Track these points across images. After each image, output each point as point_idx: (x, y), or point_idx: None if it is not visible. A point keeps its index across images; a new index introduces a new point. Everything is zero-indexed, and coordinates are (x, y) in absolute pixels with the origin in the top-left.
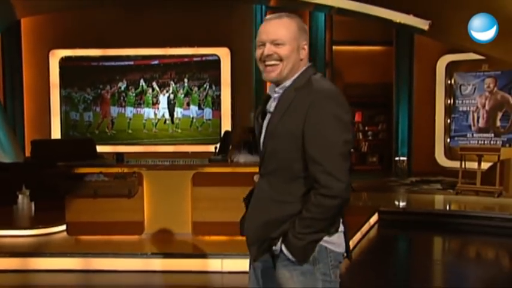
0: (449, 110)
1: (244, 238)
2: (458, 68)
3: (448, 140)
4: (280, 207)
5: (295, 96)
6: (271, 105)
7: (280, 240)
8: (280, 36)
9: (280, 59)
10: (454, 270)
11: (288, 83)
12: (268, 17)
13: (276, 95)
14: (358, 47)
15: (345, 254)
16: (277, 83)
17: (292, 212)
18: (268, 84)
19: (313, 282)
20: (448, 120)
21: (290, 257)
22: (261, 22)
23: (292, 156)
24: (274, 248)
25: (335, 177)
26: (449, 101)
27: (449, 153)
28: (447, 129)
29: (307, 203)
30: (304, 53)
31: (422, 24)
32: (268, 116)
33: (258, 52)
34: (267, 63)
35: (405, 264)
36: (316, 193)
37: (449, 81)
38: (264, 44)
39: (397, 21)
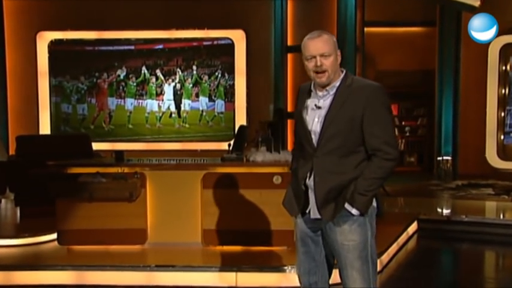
0: (504, 102)
1: (256, 248)
2: None
3: (502, 137)
4: (338, 177)
5: (350, 91)
6: (320, 102)
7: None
8: (326, 50)
9: (328, 68)
10: None
11: (336, 83)
12: (310, 36)
13: (325, 93)
14: (394, 28)
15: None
16: (324, 85)
17: (348, 179)
18: (288, 78)
19: (365, 231)
20: (502, 114)
21: (354, 212)
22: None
23: (349, 136)
24: (345, 205)
25: (392, 145)
26: (503, 91)
27: (503, 152)
28: (500, 124)
29: (370, 166)
30: (339, 59)
31: (473, 0)
32: (319, 110)
33: (311, 64)
34: (319, 71)
35: (450, 281)
36: (379, 158)
37: (503, 67)
38: (314, 57)
39: None
